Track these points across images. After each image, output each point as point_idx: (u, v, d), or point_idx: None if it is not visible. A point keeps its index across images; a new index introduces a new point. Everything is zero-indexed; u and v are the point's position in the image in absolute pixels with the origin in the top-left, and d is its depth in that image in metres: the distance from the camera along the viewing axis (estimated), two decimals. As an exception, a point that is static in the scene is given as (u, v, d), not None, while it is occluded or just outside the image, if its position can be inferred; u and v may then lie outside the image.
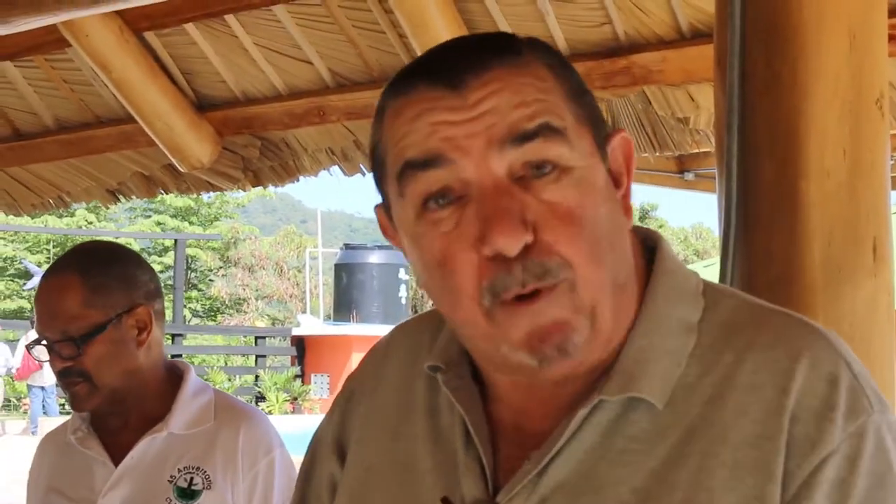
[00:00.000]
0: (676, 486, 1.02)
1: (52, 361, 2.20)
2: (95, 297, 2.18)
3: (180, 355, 23.11)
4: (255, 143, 3.36)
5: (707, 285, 1.14)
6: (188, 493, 2.19)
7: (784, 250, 1.72)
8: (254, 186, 3.49)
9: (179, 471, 2.20)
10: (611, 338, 1.08)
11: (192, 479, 2.19)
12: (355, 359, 19.30)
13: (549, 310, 1.01)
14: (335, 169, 3.33)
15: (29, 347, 2.29)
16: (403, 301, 22.91)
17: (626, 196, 1.10)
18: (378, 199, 1.14)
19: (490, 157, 1.01)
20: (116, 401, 2.22)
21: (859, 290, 1.71)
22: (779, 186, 1.74)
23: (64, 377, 2.19)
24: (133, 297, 2.23)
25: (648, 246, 1.16)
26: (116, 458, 2.24)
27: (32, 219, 29.68)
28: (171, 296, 25.02)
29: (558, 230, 1.01)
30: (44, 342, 2.21)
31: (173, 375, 2.31)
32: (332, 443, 1.27)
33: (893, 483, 1.01)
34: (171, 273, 28.22)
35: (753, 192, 1.76)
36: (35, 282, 26.12)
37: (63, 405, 20.53)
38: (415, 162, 1.03)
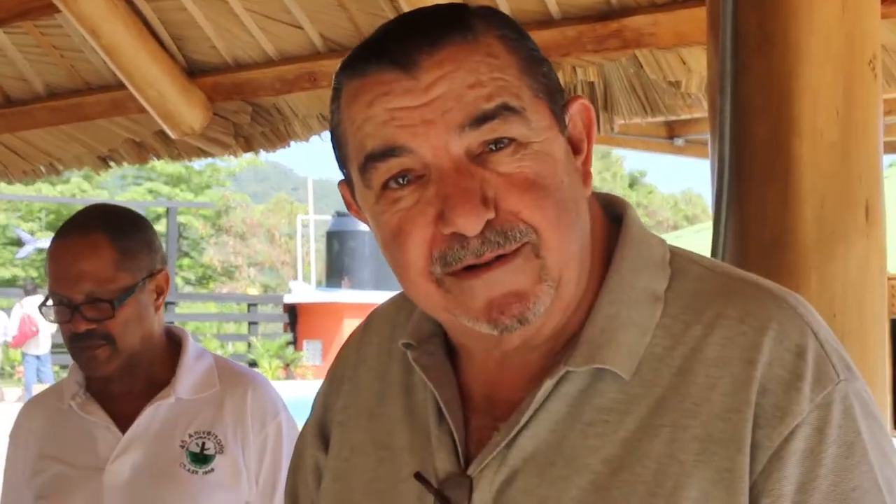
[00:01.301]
0: (649, 457, 1.02)
1: (74, 323, 2.13)
2: (125, 259, 2.15)
3: (173, 323, 23.08)
4: (246, 108, 3.35)
5: (674, 254, 1.13)
6: (201, 458, 2.16)
7: (777, 211, 1.72)
8: (245, 152, 3.48)
9: (190, 436, 2.18)
10: (569, 304, 1.08)
11: (203, 443, 2.17)
12: (347, 325, 19.36)
13: (507, 278, 1.02)
14: (326, 135, 3.31)
15: (41, 306, 2.21)
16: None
17: (587, 163, 1.09)
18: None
19: (448, 142, 1.01)
20: (131, 365, 2.18)
21: (852, 250, 1.72)
22: (772, 147, 1.74)
23: (84, 340, 2.13)
24: (155, 261, 2.21)
25: (614, 213, 1.15)
26: (121, 425, 2.19)
27: (25, 186, 29.61)
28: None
29: (520, 198, 1.01)
30: (64, 303, 2.14)
31: (172, 341, 2.28)
32: (315, 429, 1.28)
33: (862, 450, 1.02)
34: (163, 241, 28.22)
35: (746, 154, 1.77)
36: (28, 250, 26.09)
37: (57, 373, 20.57)
38: (374, 154, 1.03)
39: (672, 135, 5.24)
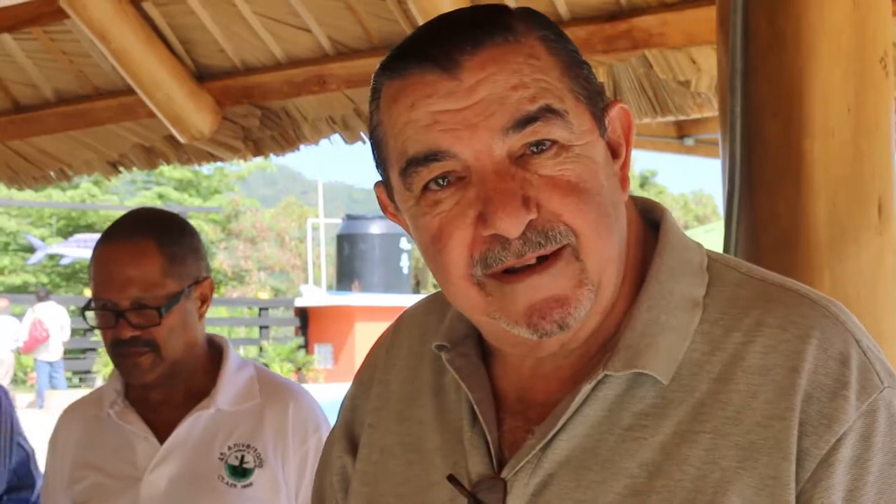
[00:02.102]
0: (688, 463, 1.02)
1: (118, 329, 2.08)
2: (173, 266, 2.11)
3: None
4: (256, 112, 3.35)
5: (712, 259, 1.13)
6: (240, 471, 2.11)
7: (789, 210, 1.72)
8: (254, 156, 3.48)
9: (230, 448, 2.13)
10: (605, 307, 1.08)
11: (242, 456, 2.12)
12: (358, 328, 19.39)
13: (548, 283, 1.02)
14: (336, 137, 3.32)
15: (84, 310, 2.17)
16: (405, 270, 22.95)
17: (625, 167, 1.09)
18: (377, 177, 1.14)
19: (492, 145, 1.01)
20: (173, 374, 2.13)
21: (864, 248, 1.71)
22: (783, 146, 1.73)
23: (126, 346, 2.09)
24: (201, 268, 2.18)
25: (651, 218, 1.15)
26: (159, 434, 2.15)
27: (35, 193, 29.66)
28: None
29: (562, 201, 1.01)
30: (108, 308, 2.10)
31: (213, 350, 2.24)
32: (342, 432, 1.28)
33: None
34: (173, 246, 28.23)
35: (757, 153, 1.76)
36: (39, 256, 26.18)
37: (70, 379, 20.63)
38: (417, 158, 1.03)
39: (682, 134, 5.22)
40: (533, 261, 1.01)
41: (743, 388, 1.03)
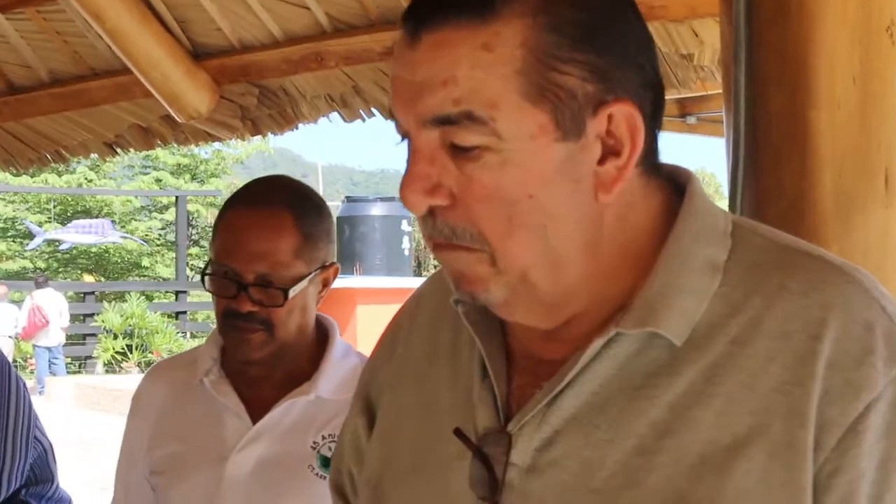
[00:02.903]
0: (699, 424, 1.00)
1: (239, 301, 1.97)
2: (306, 247, 2.00)
3: (185, 312, 23.19)
4: (253, 91, 3.32)
5: (737, 225, 1.11)
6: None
7: (794, 182, 1.69)
8: (252, 135, 3.46)
9: (324, 438, 2.02)
10: (584, 282, 1.06)
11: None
12: (360, 311, 19.37)
13: (457, 262, 1.05)
14: (335, 116, 3.29)
15: (203, 275, 2.03)
16: (406, 252, 22.92)
17: (623, 168, 1.04)
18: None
19: (418, 127, 1.02)
20: (280, 355, 2.03)
21: (871, 221, 1.69)
22: (788, 117, 1.71)
23: (241, 320, 1.98)
24: (329, 252, 2.07)
25: (677, 183, 1.13)
26: (252, 413, 2.05)
27: (32, 178, 29.66)
28: (174, 253, 25.00)
29: (473, 206, 1.01)
30: (230, 278, 1.98)
31: (320, 332, 2.13)
32: (359, 395, 1.30)
33: None
34: (172, 230, 28.26)
35: (762, 124, 1.74)
36: (38, 242, 26.16)
37: (70, 365, 20.64)
38: (390, 109, 1.08)
39: (684, 113, 5.20)
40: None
41: (760, 353, 1.01)
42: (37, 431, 2.54)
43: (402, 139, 1.06)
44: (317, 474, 2.00)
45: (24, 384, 2.52)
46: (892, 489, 0.99)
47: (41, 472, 2.57)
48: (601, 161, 1.03)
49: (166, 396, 2.14)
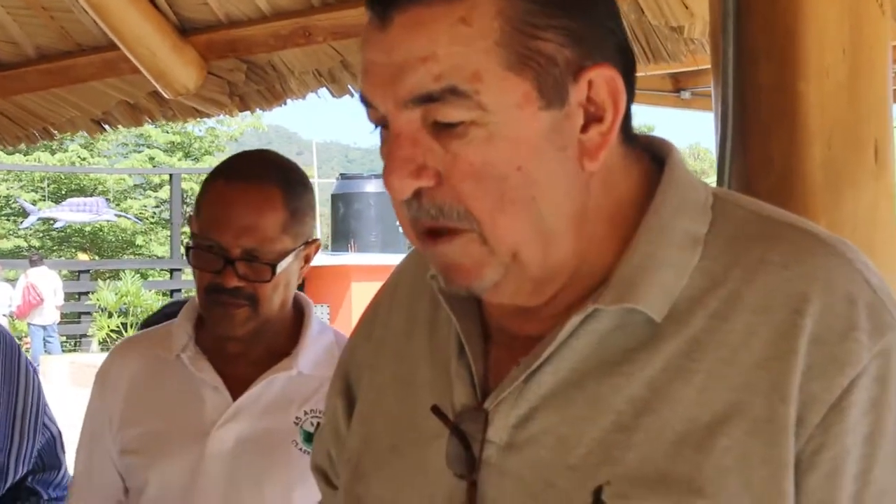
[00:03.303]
0: (678, 401, 0.99)
1: (224, 276, 1.94)
2: (293, 222, 1.97)
3: (179, 290, 23.17)
4: (241, 66, 3.29)
5: (718, 198, 1.10)
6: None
7: (783, 154, 1.68)
8: (241, 111, 3.43)
9: (306, 413, 2.01)
10: (587, 249, 1.05)
11: (318, 423, 1.95)
12: (355, 288, 19.38)
13: (451, 254, 1.02)
14: (323, 91, 3.27)
15: (188, 248, 1.99)
16: (401, 230, 22.90)
17: (607, 133, 1.03)
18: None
19: (398, 109, 1.00)
20: (262, 331, 2.01)
21: (861, 193, 1.67)
22: (777, 89, 1.69)
23: (226, 295, 1.95)
24: (313, 228, 2.05)
25: (657, 155, 1.11)
26: (231, 389, 2.02)
27: (25, 156, 29.59)
28: (169, 231, 24.97)
29: (461, 183, 1.00)
30: (215, 252, 1.95)
31: (295, 310, 2.11)
32: (337, 375, 1.29)
33: None
34: (166, 208, 28.22)
35: (751, 97, 1.72)
36: (32, 220, 26.13)
37: (65, 343, 20.65)
38: (360, 96, 1.04)
39: (678, 87, 5.18)
40: (439, 228, 1.02)
41: (740, 327, 1.00)
42: (45, 418, 2.50)
43: (377, 126, 1.04)
44: (300, 449, 1.99)
45: (35, 369, 2.46)
46: (878, 464, 0.98)
47: (49, 459, 2.53)
48: (584, 129, 1.02)
49: (138, 373, 2.10)
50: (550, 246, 1.03)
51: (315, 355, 2.06)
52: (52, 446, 2.54)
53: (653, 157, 1.11)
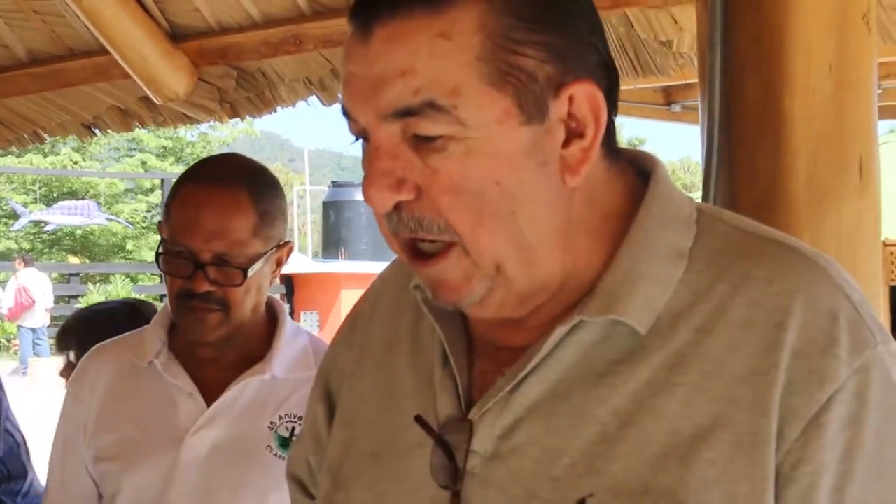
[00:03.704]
0: (662, 415, 1.00)
1: (195, 281, 1.92)
2: (263, 225, 1.95)
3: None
4: (232, 73, 3.29)
5: (702, 212, 1.10)
6: (289, 443, 1.95)
7: (768, 169, 1.68)
8: (231, 118, 3.43)
9: (280, 418, 1.99)
10: (571, 264, 1.05)
11: (293, 428, 1.97)
12: (344, 296, 19.37)
13: (439, 275, 1.03)
14: (313, 99, 3.27)
15: (158, 254, 1.97)
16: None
17: (588, 149, 1.03)
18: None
19: (378, 122, 1.00)
20: (234, 335, 1.99)
21: (845, 209, 1.68)
22: (763, 104, 1.70)
23: (197, 300, 1.93)
24: (284, 231, 2.02)
25: (642, 169, 1.12)
26: (205, 395, 2.00)
27: (17, 159, 29.52)
28: (159, 236, 24.86)
29: (440, 198, 1.00)
30: (185, 257, 1.93)
31: (269, 314, 2.10)
32: (317, 382, 1.29)
33: None
34: (157, 212, 28.17)
35: (737, 111, 1.72)
36: (23, 223, 26.06)
37: (53, 346, 20.57)
38: (342, 108, 1.04)
39: (669, 101, 5.19)
40: (426, 246, 1.02)
41: (724, 342, 1.00)
42: (7, 423, 2.40)
43: (357, 138, 1.04)
44: (275, 454, 1.97)
45: None
46: (854, 481, 0.98)
47: (14, 467, 2.44)
48: (565, 144, 1.02)
49: (112, 379, 2.08)
50: (533, 260, 1.03)
51: (289, 359, 2.04)
52: (17, 453, 2.45)
53: (638, 171, 1.12)
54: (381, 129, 1.00)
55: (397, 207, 1.01)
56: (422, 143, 0.99)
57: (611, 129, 1.06)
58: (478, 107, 0.98)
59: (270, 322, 2.09)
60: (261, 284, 2.00)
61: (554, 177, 1.02)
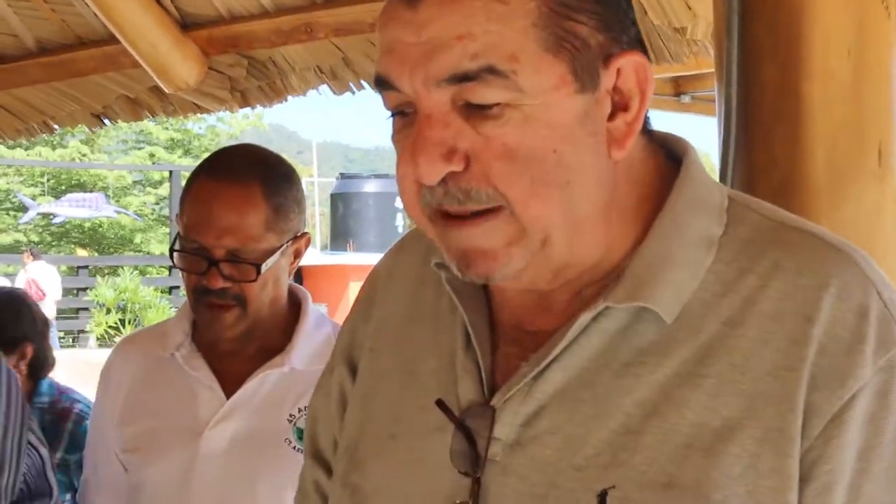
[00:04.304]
0: (687, 407, 0.98)
1: (209, 278, 1.91)
2: (277, 219, 1.94)
3: (178, 286, 23.15)
4: (242, 62, 3.28)
5: (733, 200, 1.08)
6: None
7: (786, 155, 1.67)
8: (241, 107, 3.42)
9: (300, 410, 1.96)
10: (606, 242, 1.04)
11: None
12: (353, 288, 19.37)
13: (479, 236, 0.99)
14: (324, 88, 3.26)
15: (172, 250, 1.95)
16: (400, 230, 22.90)
17: (634, 122, 1.01)
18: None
19: (428, 89, 0.97)
20: (253, 329, 1.98)
21: (864, 195, 1.66)
22: (780, 89, 1.68)
23: (213, 296, 1.93)
24: (300, 222, 2.00)
25: (673, 153, 1.10)
26: (225, 387, 1.99)
27: (26, 151, 29.57)
28: (168, 228, 24.94)
29: (493, 165, 0.97)
30: (200, 254, 1.92)
31: (292, 303, 2.07)
32: (341, 357, 1.25)
33: None
34: (166, 205, 28.20)
35: (754, 96, 1.71)
36: (31, 215, 26.09)
37: (63, 339, 20.63)
38: (378, 80, 1.01)
39: (679, 91, 5.18)
40: (466, 213, 0.98)
41: (753, 334, 0.99)
42: (32, 437, 2.27)
43: (393, 113, 1.02)
44: (294, 447, 1.96)
45: (15, 377, 2.23)
46: (870, 480, 0.97)
47: (37, 485, 2.32)
48: (611, 117, 1.01)
49: (137, 371, 2.09)
50: (580, 234, 1.01)
51: (310, 350, 2.02)
52: (41, 469, 2.33)
53: (667, 153, 1.10)
54: (431, 96, 0.97)
55: (443, 179, 0.98)
56: (474, 111, 0.97)
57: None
58: (535, 73, 0.96)
59: (293, 312, 2.07)
60: (278, 277, 1.99)
61: (603, 148, 1.01)
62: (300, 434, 1.96)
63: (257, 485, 1.95)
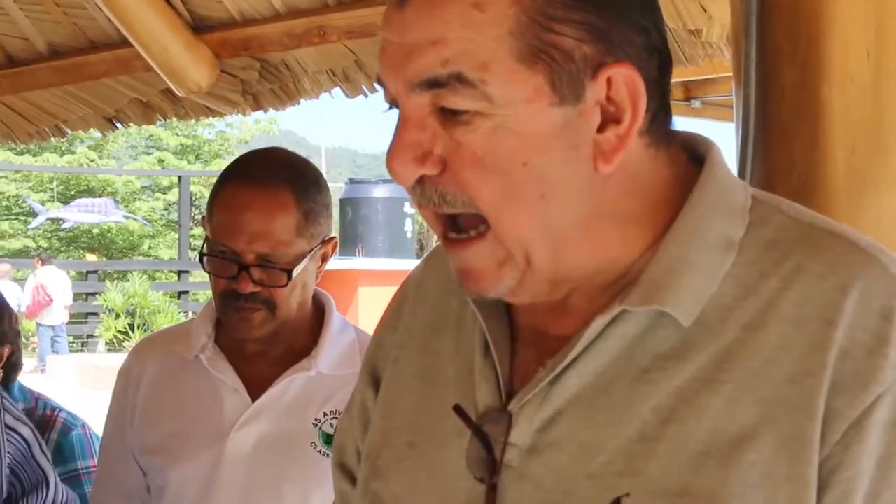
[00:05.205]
0: (705, 412, 0.96)
1: (240, 282, 1.91)
2: (307, 224, 1.93)
3: (187, 292, 23.18)
4: (255, 65, 3.28)
5: (758, 201, 1.06)
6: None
7: (805, 159, 1.65)
8: (253, 110, 3.41)
9: (325, 414, 1.97)
10: (586, 258, 1.02)
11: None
12: (362, 292, 19.38)
13: (469, 260, 1.01)
14: (337, 91, 3.25)
15: (202, 255, 1.95)
16: (409, 235, 22.92)
17: (625, 136, 0.99)
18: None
19: (407, 92, 0.98)
20: (280, 331, 1.98)
21: (884, 199, 1.65)
22: (799, 92, 1.67)
23: (242, 300, 1.92)
24: (329, 227, 2.01)
25: (695, 153, 1.08)
26: (250, 390, 2.00)
27: (35, 157, 29.63)
28: (177, 233, 24.96)
29: (463, 173, 0.97)
30: (229, 258, 1.92)
31: (316, 308, 2.08)
32: (367, 367, 1.26)
33: None
34: (175, 210, 28.25)
35: (773, 99, 1.70)
36: (40, 220, 26.15)
37: (72, 343, 20.66)
38: (378, 76, 1.02)
39: (689, 96, 5.16)
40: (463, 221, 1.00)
41: (774, 339, 0.97)
42: (7, 417, 2.08)
43: (391, 107, 1.02)
44: (319, 451, 1.96)
45: None
46: (890, 487, 0.94)
47: (28, 475, 2.14)
48: (601, 129, 0.99)
49: (159, 371, 2.08)
50: (561, 246, 1.00)
51: (336, 354, 2.03)
52: (27, 454, 2.13)
53: (691, 154, 1.08)
54: (410, 99, 0.98)
55: (420, 181, 0.99)
56: (449, 116, 0.97)
57: (662, 113, 1.02)
58: (506, 83, 0.95)
59: (317, 316, 2.07)
60: (306, 282, 1.99)
61: (585, 162, 0.98)
62: (326, 438, 1.96)
63: (282, 488, 1.95)
